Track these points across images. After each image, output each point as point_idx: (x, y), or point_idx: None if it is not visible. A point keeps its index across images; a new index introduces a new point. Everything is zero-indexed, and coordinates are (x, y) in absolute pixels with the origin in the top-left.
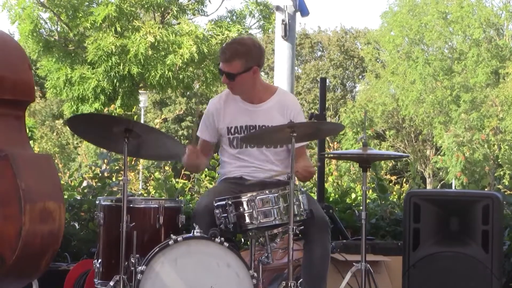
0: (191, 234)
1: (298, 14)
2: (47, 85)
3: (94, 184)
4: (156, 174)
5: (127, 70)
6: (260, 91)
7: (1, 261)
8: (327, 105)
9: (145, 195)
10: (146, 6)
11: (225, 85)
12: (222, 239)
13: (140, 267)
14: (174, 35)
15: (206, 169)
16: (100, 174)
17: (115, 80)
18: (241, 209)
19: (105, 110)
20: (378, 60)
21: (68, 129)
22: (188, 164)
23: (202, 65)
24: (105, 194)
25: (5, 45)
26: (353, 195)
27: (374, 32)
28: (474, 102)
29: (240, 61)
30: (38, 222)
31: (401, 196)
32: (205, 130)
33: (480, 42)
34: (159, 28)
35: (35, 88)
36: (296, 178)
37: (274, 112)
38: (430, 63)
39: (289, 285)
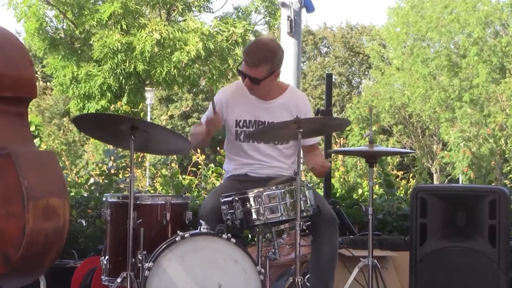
0: (198, 231)
1: (303, 10)
2: (53, 82)
3: (101, 181)
4: (163, 171)
5: (133, 67)
6: (272, 88)
7: (5, 259)
8: (333, 102)
9: (152, 191)
10: (151, 3)
11: (232, 81)
12: (229, 235)
13: (147, 264)
14: (180, 32)
15: (213, 166)
16: (107, 171)
17: (121, 77)
18: (248, 205)
19: (112, 107)
20: (383, 57)
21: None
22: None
23: (208, 62)
24: (112, 191)
25: (5, 42)
26: (360, 191)
27: (379, 28)
28: (477, 101)
29: (267, 66)
30: (41, 220)
31: (408, 191)
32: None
33: (482, 38)
34: (165, 25)
35: (46, 85)
36: (313, 173)
37: (284, 110)
38: (434, 60)
39: (296, 281)
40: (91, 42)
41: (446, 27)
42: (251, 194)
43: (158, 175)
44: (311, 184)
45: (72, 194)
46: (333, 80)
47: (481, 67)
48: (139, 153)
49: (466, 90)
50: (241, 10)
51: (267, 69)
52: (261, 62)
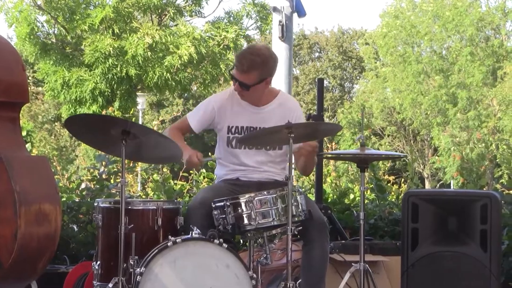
0: (189, 236)
1: (295, 15)
2: (44, 87)
3: (92, 186)
4: (155, 176)
5: (124, 72)
6: (264, 94)
7: None
8: (325, 106)
9: (143, 197)
10: (143, 8)
11: (224, 86)
12: (221, 240)
13: (139, 269)
14: (171, 37)
15: (204, 171)
16: (98, 176)
17: (112, 82)
18: (240, 210)
19: (103, 112)
20: (376, 60)
21: (67, 131)
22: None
23: (200, 66)
24: (104, 196)
25: None
26: (352, 196)
27: (372, 32)
28: (471, 101)
29: (256, 73)
30: (34, 225)
31: (400, 196)
32: (199, 122)
33: (474, 40)
34: (156, 29)
35: (39, 89)
36: (302, 153)
37: (276, 115)
38: (426, 63)
39: (288, 285)
40: (82, 47)
41: (437, 30)
42: (242, 199)
43: (149, 180)
44: (303, 189)
45: (64, 199)
46: (327, 83)
47: (476, 65)
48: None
49: (461, 89)
50: (232, 15)
51: (256, 76)
52: (251, 68)
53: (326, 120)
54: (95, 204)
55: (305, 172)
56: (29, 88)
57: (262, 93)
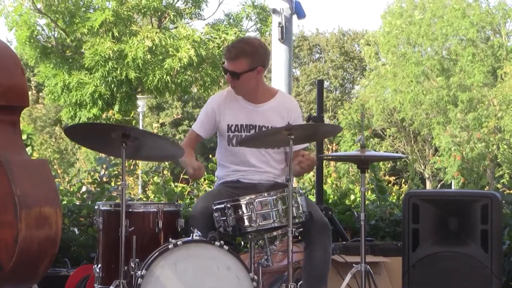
0: (190, 238)
1: (294, 16)
2: (44, 91)
3: (93, 189)
4: (155, 178)
5: (124, 75)
6: (262, 92)
7: None
8: (327, 106)
9: (144, 199)
10: (143, 10)
11: (224, 87)
12: (222, 242)
13: (140, 272)
14: (171, 39)
15: (205, 173)
16: (99, 179)
17: (112, 85)
18: (240, 212)
19: (103, 115)
20: (378, 60)
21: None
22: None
23: (200, 69)
24: (104, 199)
25: None
26: (352, 197)
27: (373, 32)
28: (471, 102)
29: (245, 60)
30: (34, 228)
31: (400, 197)
32: (202, 126)
33: (475, 42)
34: (156, 32)
35: (38, 94)
36: (301, 167)
37: (274, 114)
38: (426, 64)
39: (289, 287)
40: (82, 50)
41: (438, 31)
42: (243, 201)
43: (150, 182)
44: (303, 191)
45: (65, 202)
46: (329, 83)
47: (477, 67)
48: (131, 160)
49: (462, 91)
50: (232, 17)
51: (246, 63)
52: (239, 55)
53: (327, 120)
54: (96, 207)
55: (297, 176)
56: (29, 92)
57: (256, 85)
